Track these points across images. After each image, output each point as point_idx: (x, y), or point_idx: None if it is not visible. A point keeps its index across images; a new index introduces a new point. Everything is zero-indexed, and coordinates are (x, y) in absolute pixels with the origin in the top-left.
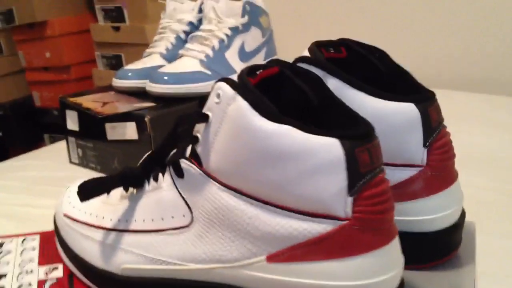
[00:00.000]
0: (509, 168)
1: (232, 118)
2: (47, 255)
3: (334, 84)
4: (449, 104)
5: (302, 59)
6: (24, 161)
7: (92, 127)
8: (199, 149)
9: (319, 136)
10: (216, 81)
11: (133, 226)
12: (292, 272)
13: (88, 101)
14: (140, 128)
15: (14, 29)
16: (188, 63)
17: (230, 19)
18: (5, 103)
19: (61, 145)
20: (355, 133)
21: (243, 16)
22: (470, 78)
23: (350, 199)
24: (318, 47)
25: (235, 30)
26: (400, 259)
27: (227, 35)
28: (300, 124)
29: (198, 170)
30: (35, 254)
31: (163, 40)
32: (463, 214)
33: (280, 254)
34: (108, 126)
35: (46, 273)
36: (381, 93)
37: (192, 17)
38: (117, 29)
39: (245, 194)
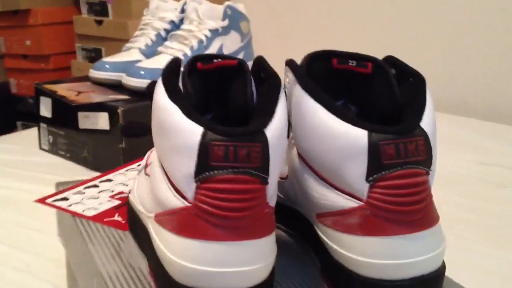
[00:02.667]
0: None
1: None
2: None
3: (298, 90)
4: None
5: (288, 61)
6: None
7: (65, 115)
8: None
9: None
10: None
11: None
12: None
13: (63, 89)
14: (112, 119)
15: None
16: (165, 60)
17: (211, 21)
18: None
19: (33, 131)
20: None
21: (223, 19)
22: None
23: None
24: (326, 56)
25: (215, 32)
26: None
27: (206, 36)
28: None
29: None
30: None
31: (143, 36)
32: (414, 281)
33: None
34: (80, 115)
35: None
36: (341, 112)
37: (174, 16)
38: (100, 23)
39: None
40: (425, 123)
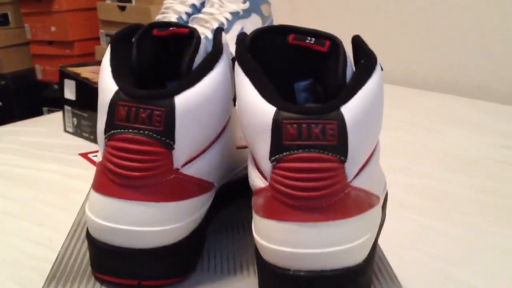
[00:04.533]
0: (488, 167)
1: None
2: None
3: (236, 65)
4: (439, 107)
5: (239, 35)
6: (20, 127)
7: (89, 97)
8: None
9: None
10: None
11: None
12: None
13: (87, 72)
14: None
15: (22, 1)
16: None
17: (231, 4)
18: (7, 74)
19: (57, 115)
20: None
21: (244, 2)
22: (459, 83)
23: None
24: (282, 31)
25: (236, 15)
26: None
27: (227, 19)
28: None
29: None
30: None
31: (165, 19)
32: (310, 274)
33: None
34: None
35: None
36: (264, 87)
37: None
38: (123, 8)
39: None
40: (350, 107)
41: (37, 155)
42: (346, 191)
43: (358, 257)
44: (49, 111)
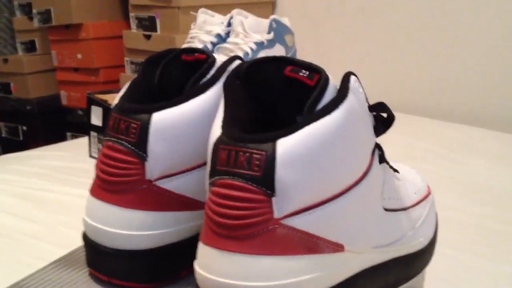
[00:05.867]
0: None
1: None
2: None
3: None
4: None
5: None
6: (45, 152)
7: None
8: None
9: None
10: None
11: None
12: None
13: (114, 99)
14: None
15: (50, 29)
16: None
17: (256, 34)
18: (33, 99)
19: (82, 140)
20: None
21: (269, 32)
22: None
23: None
24: (278, 62)
25: (260, 45)
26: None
27: (252, 49)
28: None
29: None
30: None
31: None
32: None
33: None
34: None
35: None
36: (233, 113)
37: (221, 29)
38: (148, 37)
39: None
40: (288, 142)
41: (62, 179)
42: (271, 227)
43: None
44: (73, 136)
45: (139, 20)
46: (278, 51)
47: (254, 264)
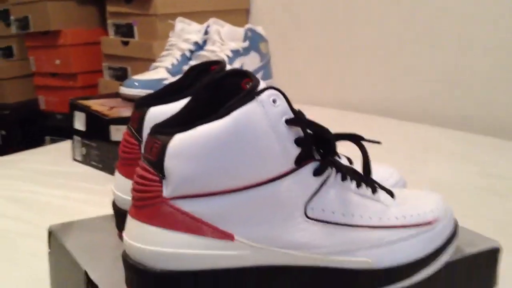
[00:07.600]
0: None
1: None
2: None
3: None
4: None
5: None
6: (26, 155)
7: (98, 128)
8: None
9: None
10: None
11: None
12: None
13: (97, 104)
14: None
15: (28, 35)
16: None
17: (232, 42)
18: (11, 104)
19: (62, 145)
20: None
21: (244, 40)
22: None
23: None
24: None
25: (236, 53)
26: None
27: (228, 56)
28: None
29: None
30: None
31: (169, 56)
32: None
33: None
34: (113, 128)
35: None
36: (185, 111)
37: (198, 38)
38: (126, 43)
39: None
40: (180, 137)
41: (46, 181)
42: (158, 204)
43: (162, 264)
44: (52, 140)
45: (117, 27)
46: (253, 58)
47: (144, 230)
